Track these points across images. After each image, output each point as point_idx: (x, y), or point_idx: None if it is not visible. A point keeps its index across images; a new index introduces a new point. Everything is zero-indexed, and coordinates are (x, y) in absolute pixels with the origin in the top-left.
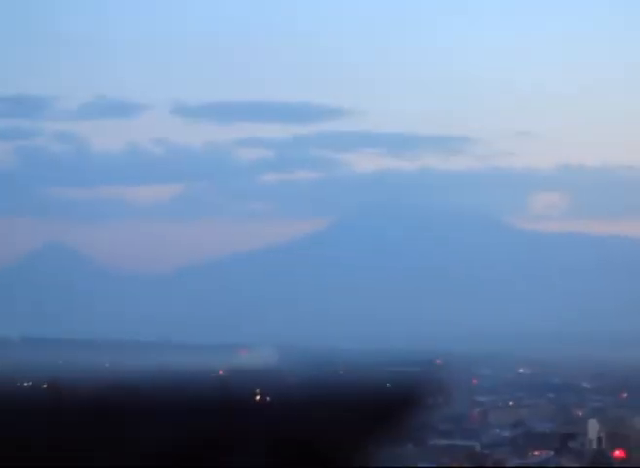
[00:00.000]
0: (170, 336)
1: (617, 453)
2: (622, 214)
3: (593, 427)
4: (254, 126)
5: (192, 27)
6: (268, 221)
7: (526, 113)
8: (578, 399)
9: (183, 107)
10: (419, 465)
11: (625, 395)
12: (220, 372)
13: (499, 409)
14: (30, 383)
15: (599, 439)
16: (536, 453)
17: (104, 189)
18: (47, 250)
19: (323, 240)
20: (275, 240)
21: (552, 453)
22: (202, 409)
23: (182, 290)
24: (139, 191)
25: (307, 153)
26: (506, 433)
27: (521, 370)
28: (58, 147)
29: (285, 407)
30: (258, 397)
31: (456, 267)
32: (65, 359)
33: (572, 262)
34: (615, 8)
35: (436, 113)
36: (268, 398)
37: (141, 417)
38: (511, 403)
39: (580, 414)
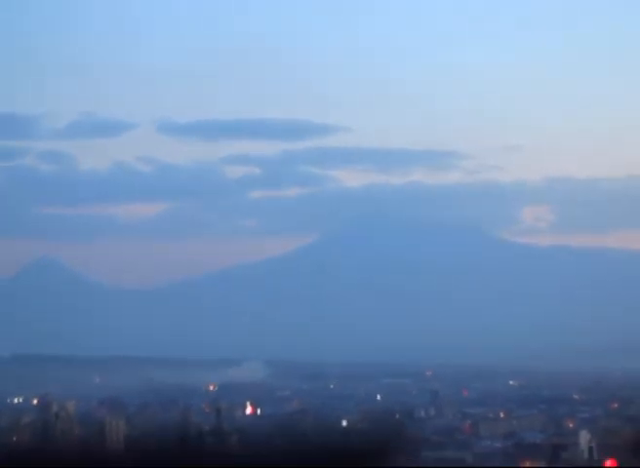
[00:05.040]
0: (159, 351)
1: (608, 463)
2: (610, 226)
3: (584, 438)
4: (241, 143)
5: (178, 46)
6: (257, 238)
7: (514, 128)
8: (568, 410)
9: (170, 125)
10: None
11: (616, 405)
12: (212, 387)
13: (490, 420)
14: (21, 399)
15: (590, 449)
16: (527, 464)
17: (92, 207)
18: (35, 268)
19: (312, 255)
20: (264, 256)
21: (544, 464)
22: (192, 428)
23: (171, 305)
24: (126, 209)
25: (295, 170)
26: (498, 444)
27: (511, 382)
28: (45, 167)
29: (276, 420)
30: (249, 410)
31: (444, 280)
32: (55, 375)
33: (560, 274)
34: (605, 24)
35: (424, 129)
36: (259, 411)
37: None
38: (502, 414)
39: (572, 425)
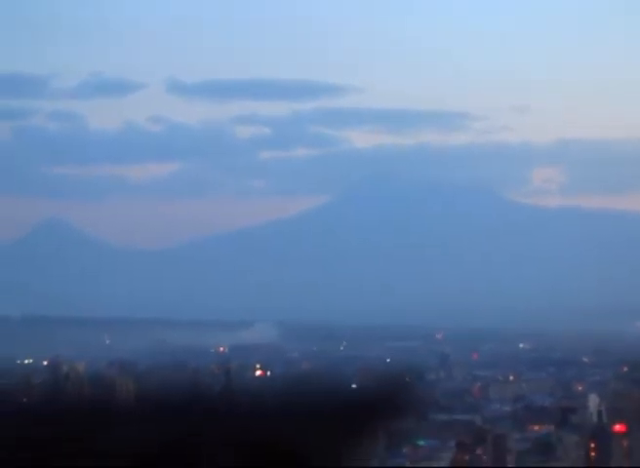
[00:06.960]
0: (168, 312)
1: (617, 427)
2: (620, 188)
3: (594, 401)
4: (251, 103)
5: (188, 5)
6: (267, 198)
7: (524, 88)
8: (578, 373)
9: (180, 85)
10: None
11: (625, 369)
12: (222, 349)
13: (499, 383)
14: (31, 360)
15: (599, 413)
16: (536, 427)
17: (102, 167)
18: (45, 228)
19: (322, 216)
20: (275, 216)
21: (553, 427)
22: (202, 388)
23: (180, 266)
24: (136, 169)
25: (305, 130)
26: (507, 407)
27: (521, 345)
28: (55, 126)
29: (285, 381)
30: (259, 371)
31: (455, 241)
32: (65, 336)
33: (569, 236)
34: None
35: (435, 90)
36: (269, 372)
37: (140, 396)
38: (512, 377)
39: (581, 389)
